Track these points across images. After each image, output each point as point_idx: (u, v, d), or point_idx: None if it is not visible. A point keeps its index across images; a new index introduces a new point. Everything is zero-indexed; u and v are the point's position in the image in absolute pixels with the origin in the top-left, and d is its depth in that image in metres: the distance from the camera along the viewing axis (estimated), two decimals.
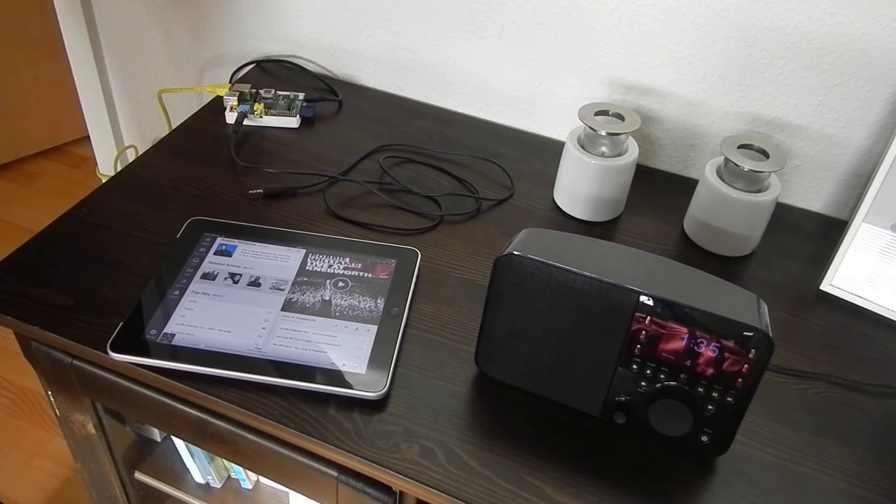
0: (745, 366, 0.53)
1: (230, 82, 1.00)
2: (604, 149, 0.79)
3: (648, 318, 0.54)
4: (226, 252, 0.72)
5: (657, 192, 0.87)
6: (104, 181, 0.81)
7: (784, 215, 0.84)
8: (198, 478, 0.91)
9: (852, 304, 0.74)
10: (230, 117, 0.91)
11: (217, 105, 0.94)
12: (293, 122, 0.92)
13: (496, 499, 0.55)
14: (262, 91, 0.94)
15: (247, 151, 0.87)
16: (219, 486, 0.92)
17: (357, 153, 0.88)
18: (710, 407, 0.55)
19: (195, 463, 0.88)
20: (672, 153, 0.91)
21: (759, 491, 0.57)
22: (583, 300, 0.55)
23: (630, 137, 0.80)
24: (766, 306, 0.55)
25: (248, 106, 0.91)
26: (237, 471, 0.92)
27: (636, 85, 0.87)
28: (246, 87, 0.94)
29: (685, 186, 0.86)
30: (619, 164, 0.78)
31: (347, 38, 1.00)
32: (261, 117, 0.91)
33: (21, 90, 1.89)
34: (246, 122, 0.91)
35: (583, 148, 0.79)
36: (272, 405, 0.60)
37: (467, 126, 0.96)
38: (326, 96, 0.97)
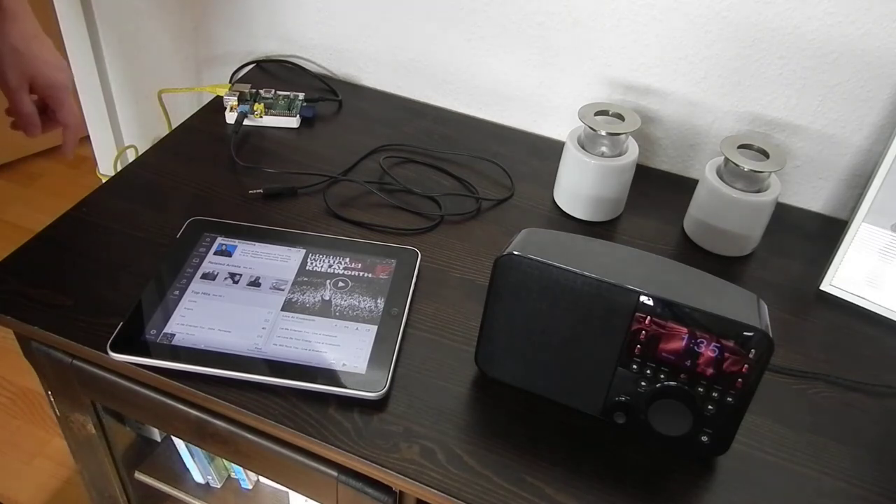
0: (745, 366, 0.53)
1: (230, 82, 1.00)
2: (604, 149, 0.79)
3: (648, 318, 0.54)
4: (226, 252, 0.72)
5: (657, 192, 0.87)
6: (104, 181, 0.81)
7: (784, 215, 0.84)
8: (198, 478, 0.91)
9: (852, 304, 0.74)
10: (230, 117, 0.91)
11: (217, 105, 0.94)
12: (293, 122, 0.92)
13: (496, 499, 0.55)
14: (262, 91, 0.94)
15: (247, 151, 0.87)
16: (219, 486, 0.92)
17: (357, 153, 0.88)
18: (710, 407, 0.55)
19: (195, 463, 0.88)
20: (672, 153, 0.91)
21: (759, 491, 0.57)
22: (583, 300, 0.55)
23: (630, 137, 0.80)
24: (766, 306, 0.55)
25: (248, 106, 0.91)
26: (237, 471, 0.92)
27: (636, 85, 0.87)
28: (246, 87, 0.94)
29: (685, 186, 0.86)
30: (619, 164, 0.78)
31: (347, 37, 1.00)
32: (261, 117, 0.91)
33: None
34: (246, 122, 0.91)
35: (583, 148, 0.79)
36: (272, 405, 0.60)
37: (467, 126, 0.96)
38: (326, 96, 0.97)
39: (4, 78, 0.76)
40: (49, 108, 0.78)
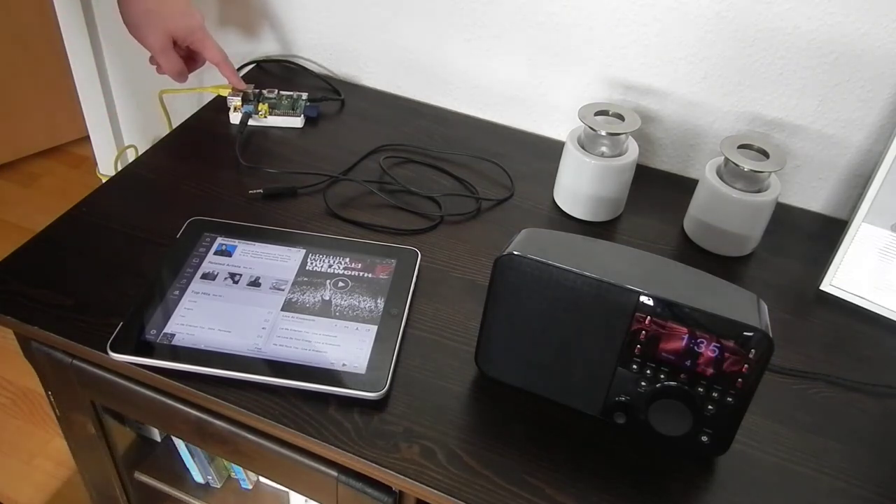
0: (745, 366, 0.53)
1: None
2: (604, 149, 0.79)
3: (648, 318, 0.54)
4: (226, 252, 0.72)
5: (657, 192, 0.87)
6: (104, 181, 0.81)
7: (784, 215, 0.84)
8: (198, 478, 0.91)
9: (852, 304, 0.74)
10: (234, 117, 0.91)
11: (217, 105, 0.94)
12: (297, 122, 0.92)
13: (496, 499, 0.55)
14: (265, 91, 0.94)
15: (249, 151, 0.87)
16: (219, 486, 0.92)
17: (357, 153, 0.88)
18: (710, 407, 0.55)
19: (195, 463, 0.88)
20: (672, 153, 0.91)
21: (759, 491, 0.57)
22: (583, 300, 0.55)
23: (630, 137, 0.80)
24: (766, 306, 0.55)
25: (252, 106, 0.91)
26: (237, 471, 0.93)
27: (636, 85, 0.87)
28: (249, 88, 0.94)
29: (685, 186, 0.86)
30: (619, 164, 0.78)
31: (348, 37, 1.00)
32: (265, 117, 0.91)
33: (21, 90, 1.89)
34: (250, 122, 0.91)
35: (583, 148, 0.79)
36: (272, 405, 0.60)
37: (467, 126, 0.96)
38: (329, 96, 0.97)
39: (147, 42, 0.79)
40: (193, 52, 0.82)
